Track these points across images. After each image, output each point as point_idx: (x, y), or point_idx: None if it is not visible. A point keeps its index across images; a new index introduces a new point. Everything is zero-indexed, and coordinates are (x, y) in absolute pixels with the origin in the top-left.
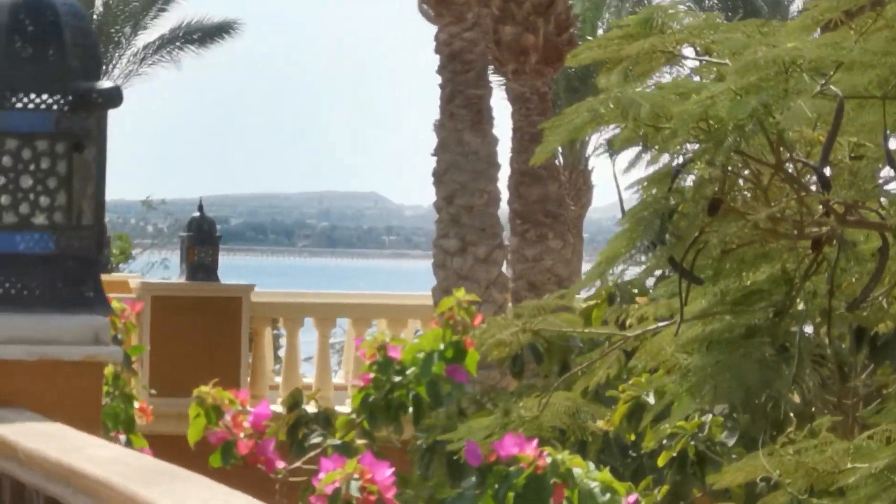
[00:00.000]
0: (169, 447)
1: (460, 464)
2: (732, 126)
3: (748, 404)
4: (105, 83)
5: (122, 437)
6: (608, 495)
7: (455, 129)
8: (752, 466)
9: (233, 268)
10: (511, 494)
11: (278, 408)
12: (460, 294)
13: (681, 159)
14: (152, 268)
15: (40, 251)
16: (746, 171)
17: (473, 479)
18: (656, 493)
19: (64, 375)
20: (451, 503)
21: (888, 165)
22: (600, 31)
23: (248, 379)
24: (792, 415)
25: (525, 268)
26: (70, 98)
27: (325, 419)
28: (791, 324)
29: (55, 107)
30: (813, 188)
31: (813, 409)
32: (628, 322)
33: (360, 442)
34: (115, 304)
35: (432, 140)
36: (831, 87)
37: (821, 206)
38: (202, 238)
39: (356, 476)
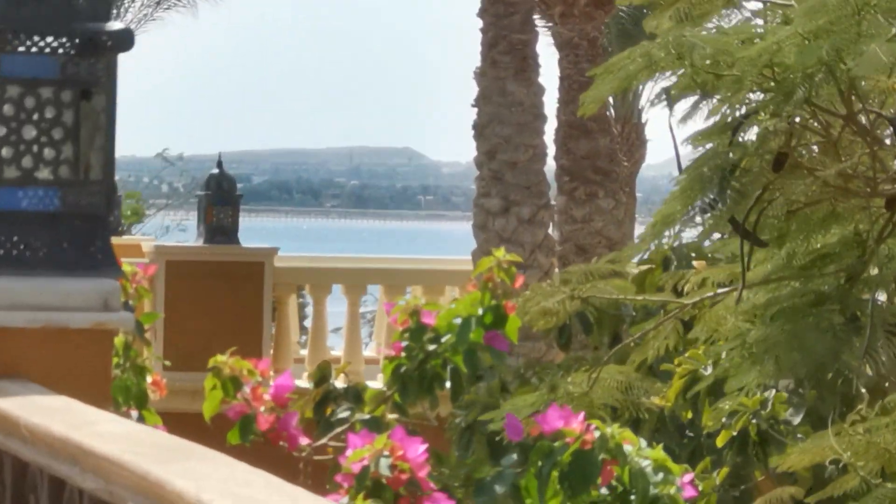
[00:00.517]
0: (184, 425)
1: (502, 443)
2: (800, 74)
3: (815, 378)
4: (115, 24)
5: (134, 413)
6: (661, 475)
7: (497, 78)
8: (820, 447)
9: (255, 230)
10: (555, 473)
11: (304, 383)
12: (500, 254)
13: (743, 110)
14: (168, 232)
15: (44, 209)
16: (815, 124)
17: (514, 456)
18: (715, 475)
19: (70, 344)
20: (489, 483)
21: None
22: None
23: (271, 351)
24: (863, 390)
25: (573, 229)
26: (77, 41)
27: (356, 395)
28: (863, 290)
29: (60, 50)
30: (888, 141)
31: (886, 383)
32: (685, 289)
33: (391, 417)
34: (125, 268)
35: (473, 90)
36: None
37: None
38: (221, 197)
39: (386, 453)
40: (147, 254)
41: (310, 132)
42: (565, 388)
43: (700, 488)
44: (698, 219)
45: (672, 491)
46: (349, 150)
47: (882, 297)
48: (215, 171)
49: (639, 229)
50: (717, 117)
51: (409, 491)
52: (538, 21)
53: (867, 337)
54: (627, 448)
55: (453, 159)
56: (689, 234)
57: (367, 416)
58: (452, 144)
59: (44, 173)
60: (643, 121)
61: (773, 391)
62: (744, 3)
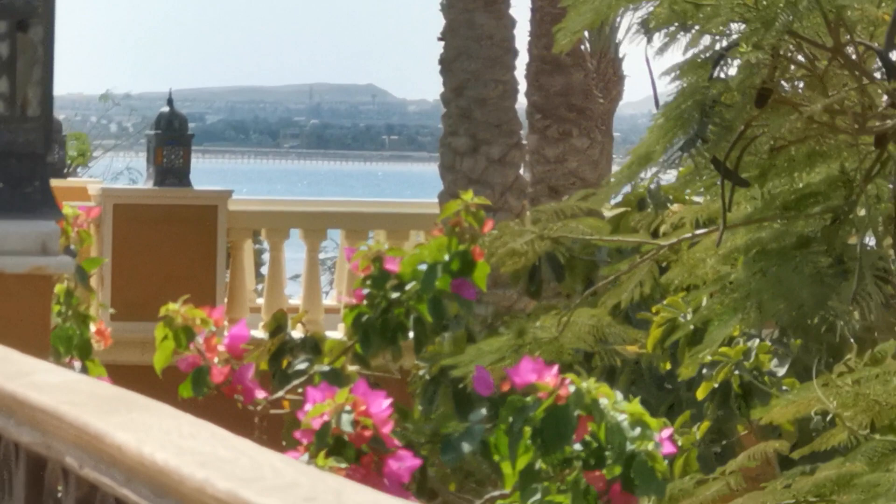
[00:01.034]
0: (132, 378)
1: (468, 395)
2: (784, 3)
3: (800, 326)
4: None
5: (77, 364)
6: (638, 430)
7: (465, 10)
8: (806, 399)
9: (208, 172)
10: (528, 429)
11: (260, 333)
12: (468, 197)
13: (724, 42)
14: (117, 178)
15: None
16: (800, 57)
17: (483, 411)
18: (695, 430)
19: (5, 290)
20: (457, 440)
21: None
22: None
23: (225, 300)
24: (851, 339)
25: (546, 170)
26: None
27: (314, 345)
28: (850, 232)
29: None
30: (877, 75)
31: (875, 332)
32: (662, 230)
33: (352, 369)
34: (67, 211)
35: (439, 23)
36: None
37: (885, 97)
38: (172, 137)
39: (348, 408)
40: (93, 197)
41: (267, 69)
42: (533, 334)
43: (679, 444)
44: (678, 157)
45: (650, 447)
46: (309, 88)
47: (870, 239)
48: (166, 109)
49: (616, 169)
50: (697, 49)
51: (372, 448)
52: None
53: (855, 282)
54: (603, 402)
55: (420, 97)
56: (668, 177)
57: (326, 369)
58: (419, 81)
59: None
60: (620, 55)
61: (757, 341)
62: None
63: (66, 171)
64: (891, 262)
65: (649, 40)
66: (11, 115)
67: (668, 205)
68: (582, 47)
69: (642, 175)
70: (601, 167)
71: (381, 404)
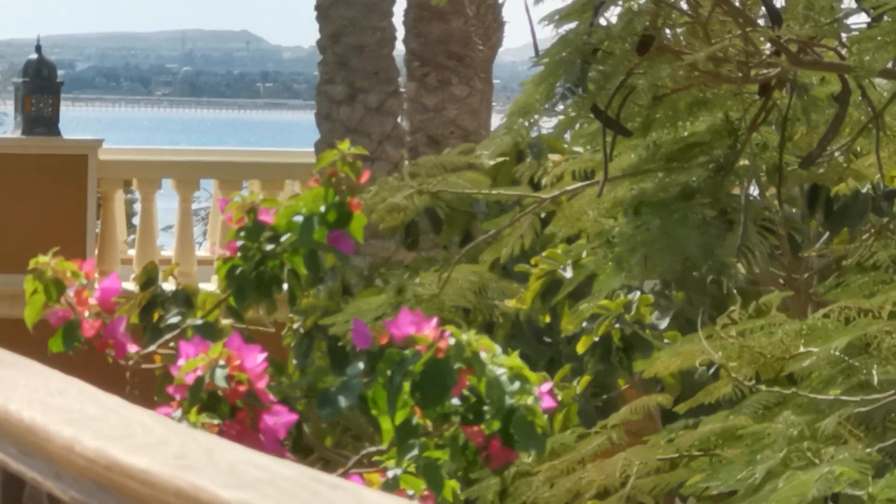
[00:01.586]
0: (2, 332)
1: (343, 348)
2: None
3: (684, 278)
4: None
5: None
6: (517, 384)
7: None
8: (689, 352)
9: (79, 120)
10: (407, 383)
11: (132, 285)
12: (345, 147)
13: None
14: None
15: None
16: (683, 4)
17: (361, 364)
18: (575, 384)
19: None
20: (334, 394)
21: None
22: None
23: (96, 251)
24: (735, 291)
25: (424, 119)
26: None
27: (186, 298)
28: (735, 183)
29: None
30: (761, 22)
31: (760, 284)
32: (543, 182)
33: (225, 322)
34: None
35: None
36: None
37: (770, 45)
38: (40, 85)
39: (222, 363)
40: None
41: (138, 14)
42: (413, 290)
43: (560, 398)
44: (559, 107)
45: (529, 401)
46: (181, 34)
47: (755, 190)
48: (33, 56)
49: (496, 118)
50: None
51: (247, 403)
52: None
53: (740, 233)
54: (483, 356)
55: (295, 43)
56: (547, 125)
57: (199, 322)
58: (294, 28)
59: None
60: (500, 0)
61: (638, 293)
62: None
63: None
64: (775, 213)
65: None
66: None
67: (548, 155)
68: None
69: (525, 124)
70: (481, 116)
71: (256, 359)
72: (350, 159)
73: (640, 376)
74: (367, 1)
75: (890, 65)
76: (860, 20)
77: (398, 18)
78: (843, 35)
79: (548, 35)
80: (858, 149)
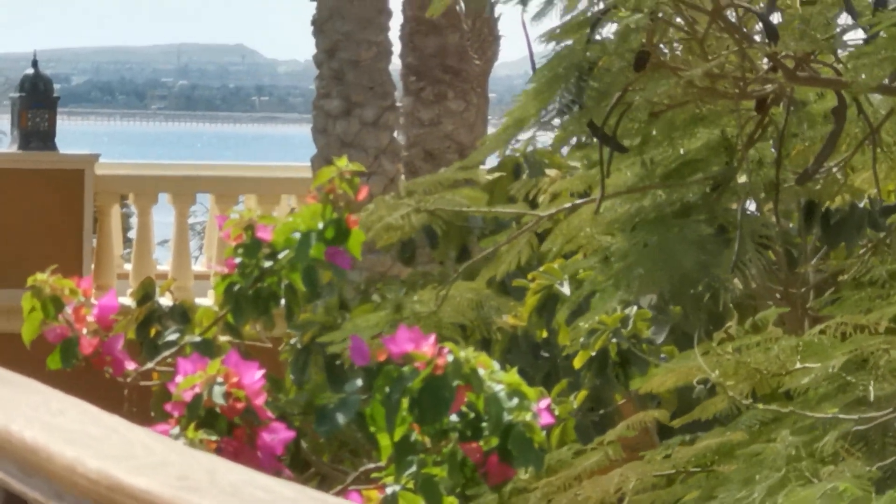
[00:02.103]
0: None
1: (340, 365)
2: None
3: (681, 294)
4: None
5: None
6: (515, 400)
7: None
8: (685, 368)
9: (74, 134)
10: (405, 400)
11: (128, 300)
12: (342, 163)
13: (601, 4)
14: None
15: None
16: (679, 20)
17: (359, 381)
18: (572, 399)
19: None
20: (332, 411)
21: (846, 11)
22: None
23: (93, 266)
24: (732, 307)
25: (421, 133)
26: None
27: (183, 314)
28: (732, 199)
29: None
30: (757, 38)
31: (756, 299)
32: (540, 199)
33: (223, 339)
34: None
35: None
36: None
37: (766, 61)
38: (37, 99)
39: (220, 380)
40: None
41: (133, 28)
42: (411, 308)
43: (556, 413)
44: (555, 122)
45: (527, 417)
46: (177, 48)
47: (752, 206)
48: (30, 70)
49: (492, 132)
50: (574, 13)
51: (245, 420)
52: None
53: (736, 249)
54: (481, 372)
55: (291, 57)
56: (546, 139)
57: (197, 339)
58: (290, 41)
59: None
60: (496, 14)
61: (635, 308)
62: None
63: None
64: (772, 229)
65: (524, 3)
66: None
67: (545, 171)
68: (457, 7)
69: (519, 138)
70: (477, 130)
71: (254, 375)
72: (348, 176)
73: (637, 392)
74: (362, 15)
75: (886, 81)
76: (856, 36)
77: (394, 33)
78: (840, 51)
79: (544, 50)
80: (855, 165)
